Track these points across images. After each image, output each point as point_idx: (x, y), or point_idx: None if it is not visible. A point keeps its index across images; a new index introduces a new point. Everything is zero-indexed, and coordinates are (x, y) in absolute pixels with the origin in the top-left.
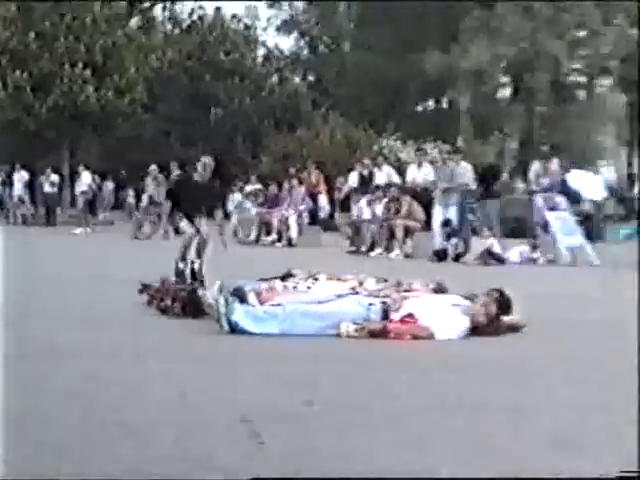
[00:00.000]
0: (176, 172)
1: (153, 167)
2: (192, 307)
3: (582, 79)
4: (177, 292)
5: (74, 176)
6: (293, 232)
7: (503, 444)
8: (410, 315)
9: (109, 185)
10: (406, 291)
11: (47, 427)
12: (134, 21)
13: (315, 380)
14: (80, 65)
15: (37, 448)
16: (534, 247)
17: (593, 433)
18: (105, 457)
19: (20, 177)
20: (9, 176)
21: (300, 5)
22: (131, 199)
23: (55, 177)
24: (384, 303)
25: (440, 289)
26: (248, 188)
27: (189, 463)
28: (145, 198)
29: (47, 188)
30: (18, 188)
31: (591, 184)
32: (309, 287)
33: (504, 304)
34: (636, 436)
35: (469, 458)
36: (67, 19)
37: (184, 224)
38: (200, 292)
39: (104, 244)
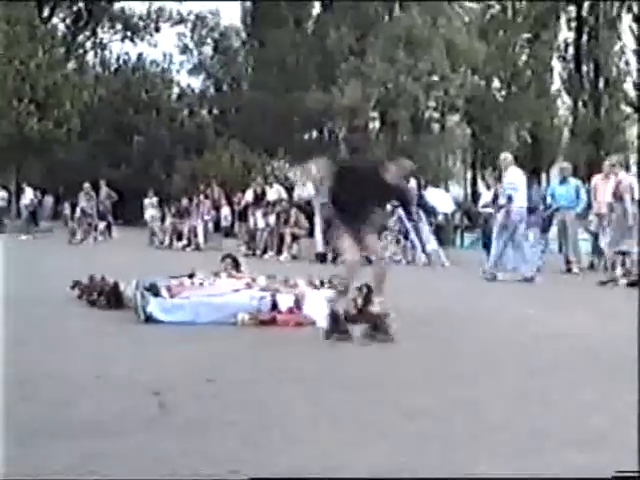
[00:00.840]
0: (104, 189)
1: (86, 185)
2: (115, 300)
3: (435, 115)
4: (102, 287)
5: (20, 192)
6: (200, 238)
7: (365, 414)
8: (295, 306)
9: (49, 199)
10: (292, 287)
11: None
12: (70, 65)
13: (215, 360)
14: (26, 101)
15: None
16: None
17: (450, 406)
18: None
19: None
20: None
21: (208, 52)
22: (67, 211)
23: (4, 193)
24: (273, 296)
25: (320, 285)
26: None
27: (104, 427)
28: (78, 210)
29: None
30: None
31: (443, 200)
32: (211, 283)
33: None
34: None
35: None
36: (15, 63)
37: None
38: (121, 287)
39: (44, 248)
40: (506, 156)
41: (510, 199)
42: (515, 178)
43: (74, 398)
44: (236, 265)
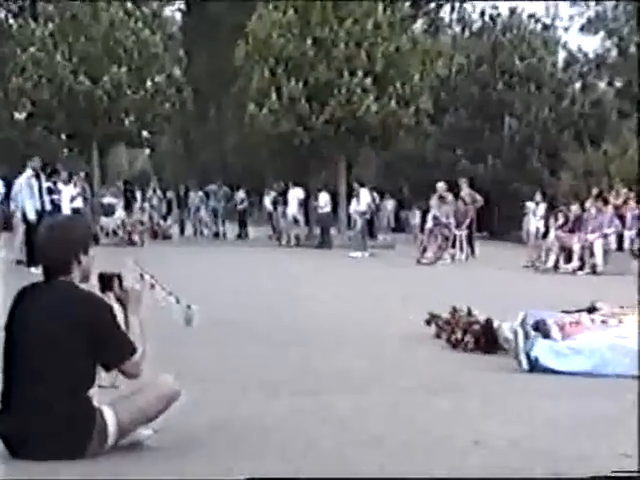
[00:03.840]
0: (465, 190)
1: (440, 184)
2: (486, 341)
3: None
4: (469, 324)
5: (351, 194)
6: (598, 258)
7: None
8: None
9: (389, 204)
10: None
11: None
12: (419, 24)
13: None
14: (360, 73)
15: None
16: None
17: None
18: None
19: (294, 195)
20: (282, 194)
21: (608, 2)
22: (415, 220)
23: (327, 196)
24: None
25: None
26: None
27: None
28: (430, 219)
29: (322, 208)
30: (292, 207)
31: None
32: (620, 321)
33: None
34: None
35: None
36: (347, 24)
37: None
38: (495, 324)
39: (384, 269)
40: None
41: None
42: None
43: (451, 462)
44: None
